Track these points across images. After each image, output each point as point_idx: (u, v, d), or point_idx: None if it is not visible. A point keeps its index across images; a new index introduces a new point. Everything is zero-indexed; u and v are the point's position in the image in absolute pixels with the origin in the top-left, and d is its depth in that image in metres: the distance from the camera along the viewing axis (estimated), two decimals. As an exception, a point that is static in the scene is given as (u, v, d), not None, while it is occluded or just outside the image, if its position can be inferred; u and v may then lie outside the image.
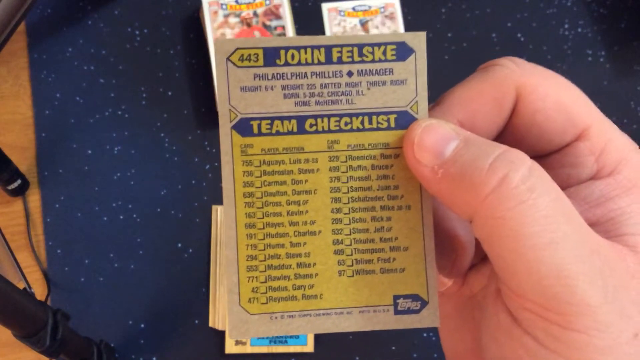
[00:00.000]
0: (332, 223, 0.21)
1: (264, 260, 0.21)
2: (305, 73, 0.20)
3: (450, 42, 0.67)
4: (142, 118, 0.64)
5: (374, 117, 0.21)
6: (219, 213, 0.61)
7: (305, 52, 0.20)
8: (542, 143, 0.22)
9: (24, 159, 0.60)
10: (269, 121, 0.20)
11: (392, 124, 0.21)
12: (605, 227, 0.20)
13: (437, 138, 0.20)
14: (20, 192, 0.60)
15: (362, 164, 0.21)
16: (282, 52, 0.20)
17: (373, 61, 0.21)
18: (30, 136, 0.63)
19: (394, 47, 0.21)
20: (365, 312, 0.21)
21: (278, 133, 0.20)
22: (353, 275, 0.21)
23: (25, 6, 0.51)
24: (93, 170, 0.62)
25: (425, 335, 0.61)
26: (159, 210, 0.62)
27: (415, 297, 0.21)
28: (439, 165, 0.20)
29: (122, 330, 0.60)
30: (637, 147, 0.22)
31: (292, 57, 0.20)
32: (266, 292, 0.21)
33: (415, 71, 0.22)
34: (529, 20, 0.68)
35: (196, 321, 0.60)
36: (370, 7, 0.66)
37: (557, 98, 0.22)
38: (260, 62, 0.20)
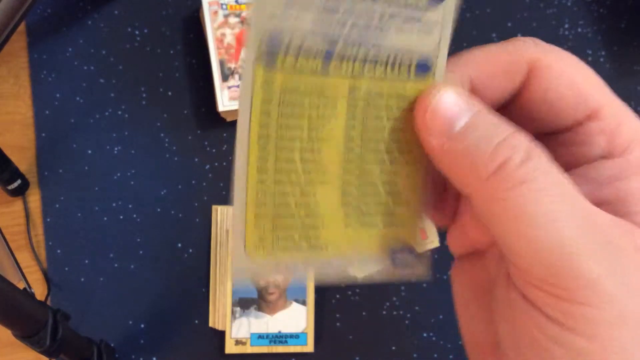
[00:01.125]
0: (343, 174, 0.20)
1: (273, 208, 0.19)
2: (341, 5, 0.19)
3: (450, 42, 0.67)
4: (142, 118, 0.64)
5: (396, 64, 0.20)
6: (219, 213, 0.61)
7: None
8: (553, 120, 0.22)
9: (24, 159, 0.60)
10: (293, 56, 0.19)
11: (412, 74, 0.21)
12: (615, 206, 0.20)
13: (449, 111, 0.20)
14: (20, 192, 0.60)
15: (379, 114, 0.20)
16: None
17: (406, 4, 0.20)
18: (30, 136, 0.63)
19: None
20: (365, 262, 0.21)
21: (301, 71, 0.19)
22: (357, 228, 0.21)
23: (25, 6, 0.51)
24: (93, 170, 0.62)
25: (425, 335, 0.61)
26: (159, 210, 0.62)
27: (411, 250, 0.22)
28: (447, 138, 0.20)
29: (122, 330, 0.60)
30: None
31: None
32: (272, 241, 0.20)
33: (441, 22, 0.22)
34: (529, 20, 0.67)
35: (196, 321, 0.60)
36: (370, 7, 0.66)
37: (570, 77, 0.22)
38: None
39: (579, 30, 0.68)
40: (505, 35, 0.67)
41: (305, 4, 0.18)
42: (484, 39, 0.67)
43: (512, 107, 0.22)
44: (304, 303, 0.59)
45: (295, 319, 0.59)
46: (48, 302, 0.59)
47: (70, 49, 0.64)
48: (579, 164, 0.22)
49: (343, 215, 0.20)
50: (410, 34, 0.20)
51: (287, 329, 0.59)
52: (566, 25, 0.68)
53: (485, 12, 0.68)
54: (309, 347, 0.59)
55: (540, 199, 0.19)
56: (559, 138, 0.22)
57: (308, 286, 0.60)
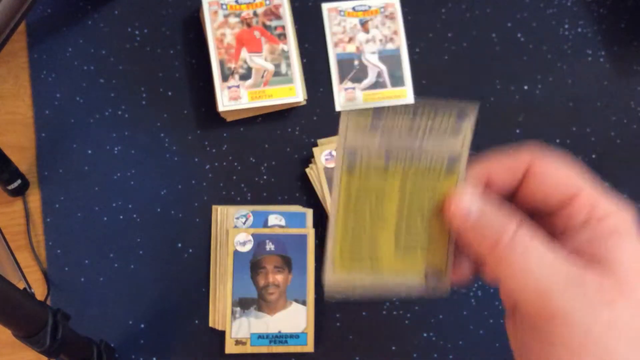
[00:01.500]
0: (396, 226, 0.32)
1: (351, 245, 0.32)
2: (396, 125, 0.30)
3: (450, 42, 0.67)
4: (142, 118, 0.64)
5: (432, 165, 0.31)
6: (219, 213, 0.61)
7: (397, 117, 0.30)
8: (545, 204, 0.32)
9: (24, 159, 0.60)
10: (365, 167, 0.31)
11: (443, 173, 0.31)
12: (592, 261, 0.30)
13: (465, 209, 0.31)
14: (20, 192, 0.60)
15: (420, 199, 0.31)
16: (384, 111, 0.30)
17: (441, 117, 0.30)
18: (30, 136, 0.63)
19: (455, 110, 0.30)
20: (409, 283, 0.32)
21: (369, 176, 0.31)
22: (404, 258, 0.32)
23: (25, 6, 0.51)
24: (93, 170, 0.62)
25: (425, 335, 0.61)
26: (159, 210, 0.62)
27: (439, 274, 0.32)
28: (463, 223, 0.31)
29: (122, 330, 0.60)
30: (625, 204, 0.31)
31: (390, 115, 0.30)
32: (350, 266, 0.32)
33: (464, 131, 0.31)
34: (529, 20, 0.67)
35: (196, 321, 0.60)
36: (370, 7, 0.66)
37: (555, 177, 0.32)
38: (369, 118, 0.30)
39: (579, 30, 0.68)
40: (505, 35, 0.67)
41: (373, 131, 0.30)
42: (484, 39, 0.67)
43: (518, 194, 0.33)
44: (304, 303, 0.59)
45: (295, 319, 0.59)
46: (48, 302, 0.59)
47: (70, 49, 0.64)
48: (568, 230, 0.32)
49: (394, 249, 0.32)
50: (443, 139, 0.30)
51: (287, 329, 0.59)
52: (566, 26, 0.68)
53: (485, 12, 0.68)
54: (309, 347, 0.59)
55: (522, 260, 0.29)
56: (552, 214, 0.32)
57: (308, 286, 0.60)
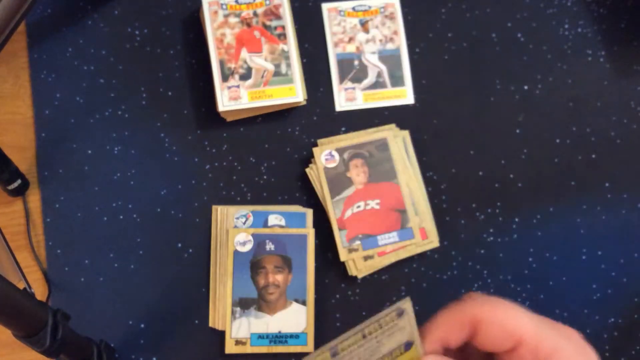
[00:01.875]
0: None
1: None
2: (352, 350, 0.34)
3: (450, 42, 0.67)
4: (142, 118, 0.64)
5: (394, 355, 0.35)
6: (218, 213, 0.61)
7: (349, 339, 0.33)
8: (495, 349, 0.36)
9: (24, 159, 0.60)
10: None
11: (403, 350, 0.35)
12: None
13: None
14: (21, 192, 0.60)
15: None
16: (339, 345, 0.33)
17: (386, 324, 0.34)
18: (30, 136, 0.63)
19: (394, 312, 0.34)
20: None
21: None
22: None
23: (25, 6, 0.51)
24: (93, 170, 0.62)
25: (425, 335, 0.61)
26: (159, 210, 0.62)
27: None
28: None
29: (122, 330, 0.60)
30: (567, 334, 0.36)
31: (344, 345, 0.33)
32: None
33: (409, 321, 0.35)
34: (529, 20, 0.68)
35: (196, 321, 0.60)
36: (370, 7, 0.67)
37: (500, 322, 0.35)
38: (328, 355, 0.33)
39: (579, 30, 0.68)
40: (505, 35, 0.67)
41: None
42: (484, 39, 0.67)
43: (475, 340, 0.36)
44: (303, 303, 0.59)
45: (295, 319, 0.59)
46: (49, 302, 0.59)
47: (70, 49, 0.64)
48: None
49: None
50: (394, 337, 0.35)
51: (287, 329, 0.59)
52: (566, 26, 0.68)
53: (485, 12, 0.68)
54: (309, 347, 0.59)
55: None
56: (507, 354, 0.36)
57: (308, 286, 0.60)
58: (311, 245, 0.60)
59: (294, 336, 0.59)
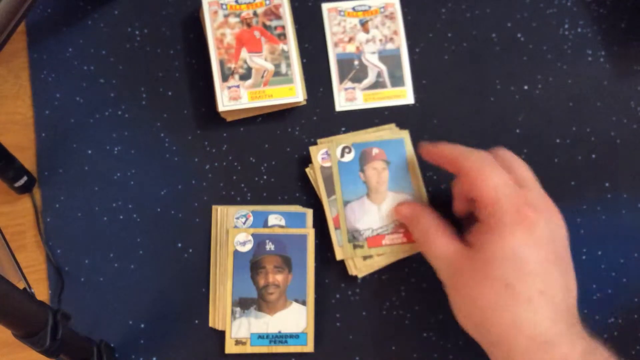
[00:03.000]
0: None
1: None
2: None
3: (450, 42, 0.67)
4: (142, 118, 0.64)
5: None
6: (219, 213, 0.61)
7: None
8: (470, 198, 0.52)
9: (24, 159, 0.60)
10: None
11: None
12: (474, 248, 0.50)
13: (399, 215, 0.59)
14: (28, 189, 0.60)
15: None
16: None
17: None
18: (30, 136, 0.63)
19: None
20: None
21: None
22: None
23: (25, 6, 0.51)
24: (93, 170, 0.62)
25: (425, 335, 0.61)
26: (159, 210, 0.62)
27: None
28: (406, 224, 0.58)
29: (122, 330, 0.60)
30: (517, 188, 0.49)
31: None
32: None
33: None
34: (529, 20, 0.68)
35: (196, 321, 0.60)
36: (370, 7, 0.67)
37: (470, 177, 0.51)
38: None
39: (579, 30, 0.68)
40: (505, 35, 0.67)
41: None
42: (484, 39, 0.67)
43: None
44: (304, 303, 0.59)
45: (295, 319, 0.59)
46: (62, 298, 0.59)
47: (70, 49, 0.64)
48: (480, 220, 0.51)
49: None
50: None
51: (287, 329, 0.59)
52: (566, 25, 0.68)
53: (485, 12, 0.68)
54: (309, 347, 0.59)
55: (423, 235, 0.55)
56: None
57: (308, 286, 0.60)
58: (311, 245, 0.60)
59: (294, 336, 0.59)
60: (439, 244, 0.52)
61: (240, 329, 0.59)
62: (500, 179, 0.49)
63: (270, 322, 0.59)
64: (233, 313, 0.59)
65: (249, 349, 0.58)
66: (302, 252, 0.60)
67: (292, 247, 0.60)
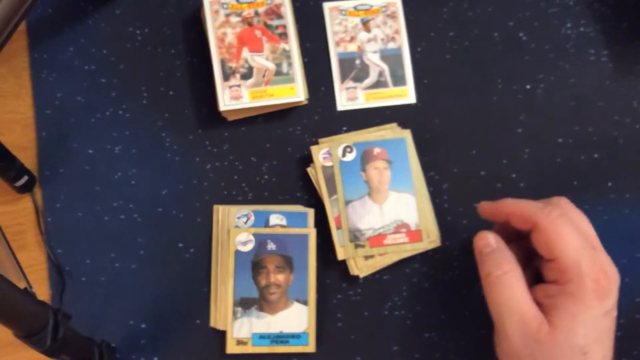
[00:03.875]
0: None
1: None
2: None
3: (452, 41, 0.66)
4: (143, 118, 0.63)
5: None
6: (220, 213, 0.61)
7: None
8: (543, 254, 0.51)
9: (24, 159, 0.60)
10: None
11: None
12: (545, 312, 0.49)
13: (486, 238, 0.54)
14: (29, 188, 0.60)
15: None
16: None
17: None
18: (30, 136, 0.63)
19: None
20: None
21: None
22: None
23: (25, 6, 0.51)
24: (94, 169, 0.62)
25: (427, 335, 0.61)
26: (160, 210, 0.62)
27: None
28: (482, 249, 0.54)
29: (123, 330, 0.60)
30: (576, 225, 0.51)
31: None
32: None
33: None
34: (531, 20, 0.67)
35: (197, 321, 0.60)
36: (371, 6, 0.66)
37: (551, 239, 0.50)
38: None
39: (581, 29, 0.67)
40: (507, 34, 0.67)
41: None
42: (485, 38, 0.67)
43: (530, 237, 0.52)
44: (305, 303, 0.59)
45: (297, 319, 0.59)
46: (63, 297, 0.59)
47: (71, 49, 0.64)
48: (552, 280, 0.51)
49: None
50: None
51: (288, 329, 0.59)
52: (568, 25, 0.67)
53: (486, 11, 0.67)
54: (311, 347, 0.59)
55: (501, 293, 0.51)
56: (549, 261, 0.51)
57: (309, 286, 0.60)
58: (313, 245, 0.60)
59: (296, 336, 0.59)
60: (521, 302, 0.49)
61: (242, 329, 0.58)
62: (579, 242, 0.49)
63: (271, 322, 0.59)
64: (234, 313, 0.59)
65: (250, 349, 0.58)
66: (304, 252, 0.60)
67: (294, 247, 0.60)
